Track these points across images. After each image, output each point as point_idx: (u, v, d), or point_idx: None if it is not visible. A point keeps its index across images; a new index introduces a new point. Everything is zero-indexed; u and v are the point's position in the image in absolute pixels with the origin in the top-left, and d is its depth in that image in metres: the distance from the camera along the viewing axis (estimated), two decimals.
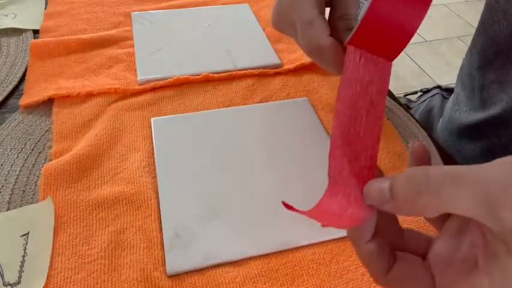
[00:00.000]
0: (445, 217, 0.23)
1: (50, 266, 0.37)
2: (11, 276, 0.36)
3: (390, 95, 0.60)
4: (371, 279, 0.37)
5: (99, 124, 0.51)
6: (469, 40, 0.64)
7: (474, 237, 0.20)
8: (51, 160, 0.46)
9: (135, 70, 0.60)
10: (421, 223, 0.42)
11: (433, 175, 0.19)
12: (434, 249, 0.22)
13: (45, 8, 0.72)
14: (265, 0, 0.77)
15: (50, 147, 0.48)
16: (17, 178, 0.45)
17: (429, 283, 0.22)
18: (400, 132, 0.53)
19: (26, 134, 0.50)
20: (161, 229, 0.40)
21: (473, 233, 0.20)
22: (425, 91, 0.85)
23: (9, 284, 0.35)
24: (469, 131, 0.63)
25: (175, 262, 0.38)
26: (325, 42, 0.32)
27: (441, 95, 0.81)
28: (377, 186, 0.21)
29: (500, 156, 0.19)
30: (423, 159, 0.24)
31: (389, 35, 0.27)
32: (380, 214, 0.23)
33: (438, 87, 1.03)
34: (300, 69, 0.61)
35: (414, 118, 0.55)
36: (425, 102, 0.82)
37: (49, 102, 0.54)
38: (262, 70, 0.60)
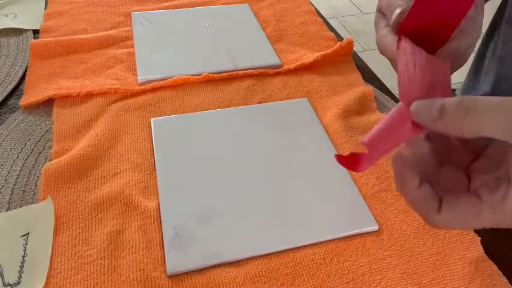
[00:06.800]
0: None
1: (50, 266, 0.37)
2: (11, 277, 0.36)
3: (391, 94, 0.60)
4: (371, 279, 0.37)
5: (99, 124, 0.51)
6: None
7: (509, 160, 0.24)
8: (51, 160, 0.46)
9: (135, 70, 0.59)
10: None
11: (480, 102, 0.22)
12: (477, 164, 0.27)
13: (45, 8, 0.72)
14: (265, 0, 0.77)
15: (50, 147, 0.48)
16: (17, 178, 0.45)
17: (466, 184, 0.26)
18: None
19: (26, 134, 0.50)
20: (161, 229, 0.40)
21: (509, 157, 0.24)
22: None
23: (9, 285, 0.35)
24: None
25: (175, 262, 0.38)
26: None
27: None
28: (427, 105, 0.24)
29: None
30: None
31: (436, 21, 0.29)
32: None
33: None
34: (300, 70, 0.61)
35: None
36: None
37: (49, 102, 0.54)
38: (262, 70, 0.60)
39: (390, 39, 0.35)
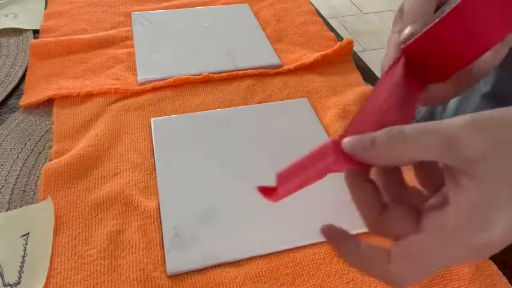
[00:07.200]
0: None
1: (50, 266, 0.37)
2: (11, 277, 0.36)
3: None
4: (371, 279, 0.37)
5: (99, 124, 0.51)
6: None
7: (447, 182, 0.24)
8: (51, 160, 0.46)
9: (135, 70, 0.59)
10: None
11: (407, 130, 0.23)
12: (431, 201, 0.26)
13: (45, 8, 0.72)
14: (265, 0, 0.77)
15: (50, 147, 0.48)
16: (17, 178, 0.45)
17: (415, 225, 0.25)
18: None
19: (26, 134, 0.50)
20: (161, 229, 0.40)
21: (447, 181, 0.24)
22: None
23: (9, 285, 0.35)
24: None
25: (175, 262, 0.38)
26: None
27: None
28: (359, 137, 0.25)
29: None
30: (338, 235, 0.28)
31: (459, 45, 0.26)
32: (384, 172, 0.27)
33: None
34: (300, 70, 0.61)
35: (416, 120, 0.55)
36: None
37: (49, 102, 0.54)
38: (262, 70, 0.60)
39: (389, 57, 0.31)
